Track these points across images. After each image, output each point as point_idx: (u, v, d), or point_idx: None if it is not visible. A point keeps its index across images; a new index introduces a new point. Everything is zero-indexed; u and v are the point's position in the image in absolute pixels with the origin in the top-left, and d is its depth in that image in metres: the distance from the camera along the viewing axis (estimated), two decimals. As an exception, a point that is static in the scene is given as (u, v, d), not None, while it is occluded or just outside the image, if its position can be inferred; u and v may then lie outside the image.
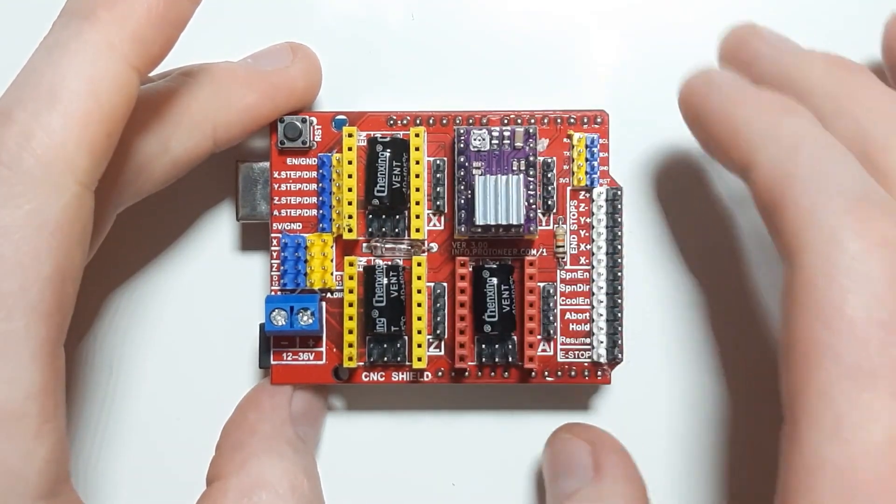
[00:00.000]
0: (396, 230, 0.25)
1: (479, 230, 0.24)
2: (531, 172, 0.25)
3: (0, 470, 0.18)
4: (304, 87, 0.25)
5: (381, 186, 0.25)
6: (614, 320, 0.25)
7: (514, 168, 0.25)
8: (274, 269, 0.25)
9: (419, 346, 0.25)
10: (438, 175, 0.25)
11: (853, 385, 0.18)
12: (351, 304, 0.25)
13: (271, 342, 0.25)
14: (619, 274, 0.25)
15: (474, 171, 0.25)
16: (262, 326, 0.25)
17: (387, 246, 0.25)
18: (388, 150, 0.25)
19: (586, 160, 0.25)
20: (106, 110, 0.20)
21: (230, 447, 0.24)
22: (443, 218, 0.25)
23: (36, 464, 0.19)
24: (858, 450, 0.18)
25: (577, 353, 0.25)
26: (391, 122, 0.25)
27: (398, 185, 0.25)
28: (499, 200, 0.24)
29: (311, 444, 0.26)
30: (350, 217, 0.25)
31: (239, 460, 0.24)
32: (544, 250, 0.25)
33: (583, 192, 0.25)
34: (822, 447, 0.18)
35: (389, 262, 0.25)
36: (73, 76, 0.19)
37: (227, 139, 0.24)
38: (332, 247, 0.25)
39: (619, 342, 0.25)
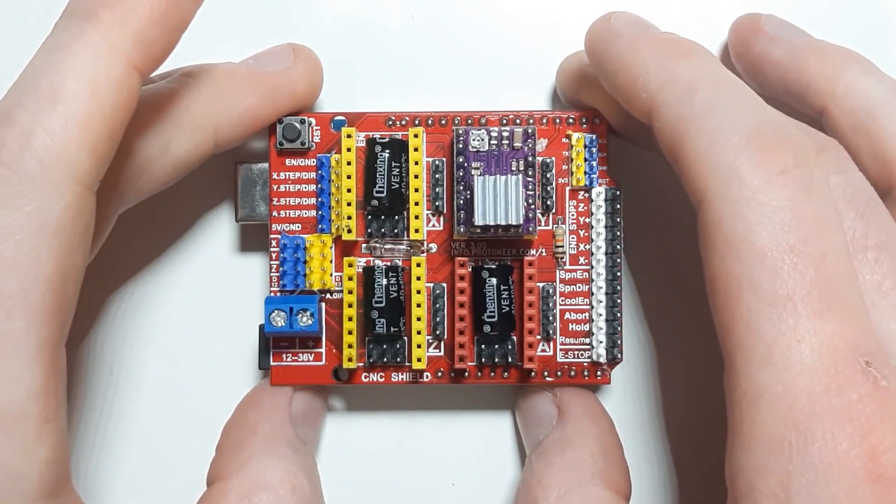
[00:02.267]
0: (395, 231, 0.25)
1: (479, 230, 0.24)
2: (530, 173, 0.25)
3: (0, 470, 0.18)
4: (305, 89, 0.25)
5: (379, 187, 0.25)
6: (613, 320, 0.25)
7: (513, 168, 0.25)
8: (273, 270, 0.25)
9: (419, 346, 0.25)
10: (437, 175, 0.25)
11: (775, 312, 0.18)
12: (350, 305, 0.25)
13: (271, 343, 0.25)
14: (619, 274, 0.25)
15: (473, 172, 0.25)
16: (261, 327, 0.25)
17: (386, 246, 0.25)
18: (387, 151, 0.25)
19: (585, 160, 0.25)
20: (107, 111, 0.20)
21: (231, 448, 0.24)
22: (442, 218, 0.25)
23: (37, 464, 0.19)
24: (791, 373, 0.18)
25: (576, 353, 0.25)
26: (390, 122, 0.25)
27: (397, 185, 0.25)
28: (497, 201, 0.24)
29: (311, 445, 0.26)
30: (349, 218, 0.25)
31: (239, 461, 0.24)
32: (543, 250, 0.25)
33: (582, 192, 0.25)
34: (758, 376, 0.18)
35: (389, 263, 0.25)
36: (75, 77, 0.19)
37: (228, 140, 0.24)
38: (331, 247, 0.25)
39: (619, 342, 0.25)
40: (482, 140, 0.25)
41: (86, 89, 0.19)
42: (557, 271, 0.25)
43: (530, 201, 0.24)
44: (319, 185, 0.25)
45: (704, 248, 0.20)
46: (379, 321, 0.25)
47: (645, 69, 0.22)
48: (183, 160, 0.23)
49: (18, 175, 0.19)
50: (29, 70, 0.20)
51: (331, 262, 0.25)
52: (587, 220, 0.25)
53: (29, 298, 0.19)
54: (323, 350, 0.25)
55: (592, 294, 0.25)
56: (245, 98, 0.24)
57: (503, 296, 0.25)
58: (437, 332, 0.25)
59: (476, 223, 0.24)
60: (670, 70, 0.21)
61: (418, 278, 0.25)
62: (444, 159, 0.25)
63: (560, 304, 0.25)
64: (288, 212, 0.25)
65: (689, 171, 0.20)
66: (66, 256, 0.19)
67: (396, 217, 0.25)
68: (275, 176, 0.25)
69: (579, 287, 0.25)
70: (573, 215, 0.25)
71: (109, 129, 0.20)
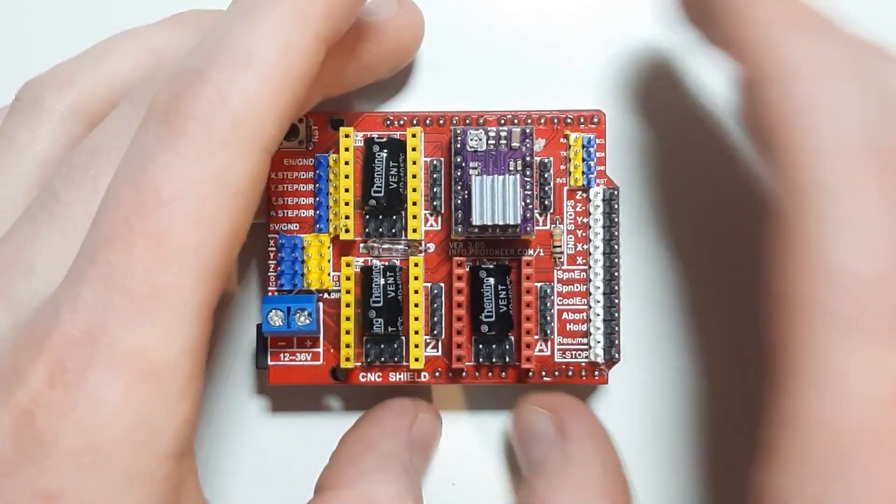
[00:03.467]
0: (393, 230, 0.25)
1: (476, 230, 0.24)
2: (528, 173, 0.25)
3: (145, 423, 0.18)
4: (409, 39, 0.25)
5: (377, 187, 0.25)
6: (611, 320, 0.25)
7: (511, 168, 0.25)
8: (271, 269, 0.25)
9: (416, 346, 0.25)
10: (435, 175, 0.25)
11: (846, 340, 0.17)
12: (348, 305, 0.25)
13: (268, 343, 0.25)
14: (616, 274, 0.25)
15: (471, 172, 0.25)
16: (259, 327, 0.25)
17: (384, 246, 0.25)
18: (385, 151, 0.25)
19: (583, 160, 0.25)
20: (296, 80, 0.19)
21: (347, 459, 0.24)
22: (440, 218, 0.25)
23: (175, 422, 0.19)
24: (849, 403, 0.17)
25: (574, 353, 0.25)
26: (388, 122, 0.25)
27: (395, 185, 0.25)
28: (495, 200, 0.24)
29: (420, 475, 0.26)
30: (347, 217, 0.25)
31: (353, 473, 0.23)
32: (541, 250, 0.25)
33: (580, 192, 0.25)
34: (813, 403, 0.18)
35: (387, 263, 0.25)
36: (270, 43, 0.19)
37: (341, 89, 0.24)
38: (328, 247, 0.25)
39: (616, 342, 0.25)
40: (480, 140, 0.25)
41: (278, 57, 0.19)
42: (555, 271, 0.25)
43: (528, 201, 0.24)
44: (317, 185, 0.25)
45: (777, 258, 0.19)
46: (377, 321, 0.25)
47: (766, 34, 0.19)
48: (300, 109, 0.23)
49: (210, 132, 0.19)
50: (221, 31, 0.20)
51: (328, 261, 0.25)
52: (585, 219, 0.25)
53: (202, 255, 0.18)
54: (321, 350, 0.25)
55: (590, 294, 0.25)
56: (355, 45, 0.24)
57: (501, 296, 0.25)
58: (435, 332, 0.25)
59: (474, 223, 0.24)
60: (796, 47, 0.19)
61: (416, 278, 0.25)
62: (442, 159, 0.25)
63: (558, 304, 0.25)
64: (286, 211, 0.25)
65: (782, 170, 0.19)
66: (240, 219, 0.19)
67: (394, 217, 0.25)
68: (272, 175, 0.25)
69: (577, 287, 0.25)
70: (571, 215, 0.25)
71: (295, 99, 0.20)
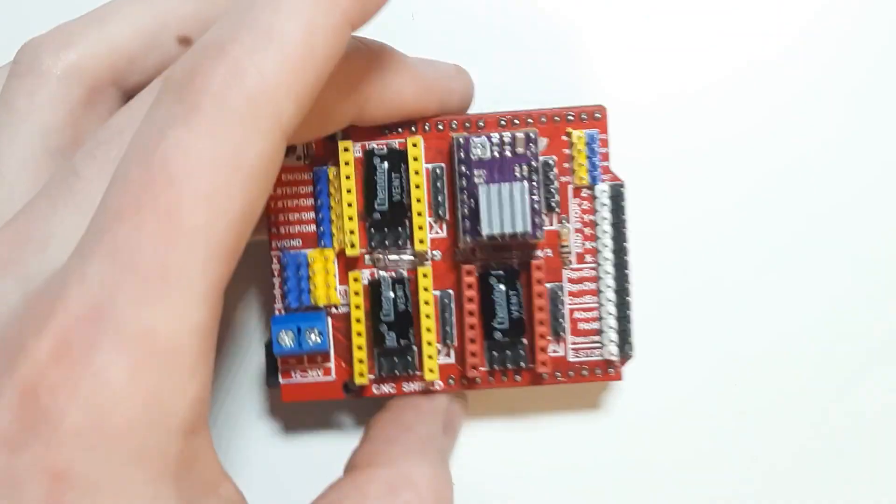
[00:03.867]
0: (398, 241, 0.25)
1: (486, 240, 0.24)
2: (535, 178, 0.24)
3: (153, 402, 0.18)
4: (457, 103, 0.25)
5: (380, 199, 0.24)
6: (623, 317, 0.25)
7: (517, 174, 0.24)
8: (276, 287, 0.25)
9: (430, 357, 0.24)
10: (438, 183, 0.25)
11: None
12: (358, 320, 0.24)
13: (279, 361, 0.25)
14: (626, 270, 0.25)
15: (476, 181, 0.24)
16: (268, 346, 0.25)
17: (390, 257, 0.25)
18: (386, 162, 0.24)
19: (587, 158, 0.25)
20: (319, 61, 0.19)
21: (383, 440, 0.24)
22: (444, 224, 0.25)
23: (186, 400, 0.18)
24: None
25: (587, 351, 0.25)
26: (385, 129, 0.25)
27: (398, 196, 0.24)
28: (503, 209, 0.24)
29: (448, 458, 0.26)
30: (352, 232, 0.24)
31: (391, 454, 0.23)
32: (549, 251, 0.25)
33: (585, 190, 0.25)
34: None
35: (394, 275, 0.25)
36: (294, 21, 0.18)
37: (369, 117, 0.23)
38: (334, 262, 0.25)
39: (629, 338, 0.25)
40: (483, 147, 0.24)
41: (301, 36, 0.18)
42: (564, 271, 0.25)
43: (537, 206, 0.24)
44: (319, 200, 0.25)
45: None
46: (389, 335, 0.24)
47: None
48: (328, 122, 0.23)
49: (223, 110, 0.18)
50: (243, 6, 0.19)
51: (335, 276, 0.25)
52: (592, 217, 0.25)
53: (212, 234, 0.18)
54: (332, 364, 0.25)
55: (601, 292, 0.25)
56: (403, 84, 0.23)
57: (512, 301, 0.25)
58: (447, 341, 0.25)
59: (483, 233, 0.24)
60: None
61: (425, 289, 0.24)
62: (444, 165, 0.25)
63: (569, 304, 0.25)
64: (287, 227, 0.25)
65: None
66: (254, 200, 0.18)
67: (399, 227, 0.25)
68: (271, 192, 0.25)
69: (587, 285, 0.25)
70: (577, 214, 0.25)
71: (316, 80, 0.19)
